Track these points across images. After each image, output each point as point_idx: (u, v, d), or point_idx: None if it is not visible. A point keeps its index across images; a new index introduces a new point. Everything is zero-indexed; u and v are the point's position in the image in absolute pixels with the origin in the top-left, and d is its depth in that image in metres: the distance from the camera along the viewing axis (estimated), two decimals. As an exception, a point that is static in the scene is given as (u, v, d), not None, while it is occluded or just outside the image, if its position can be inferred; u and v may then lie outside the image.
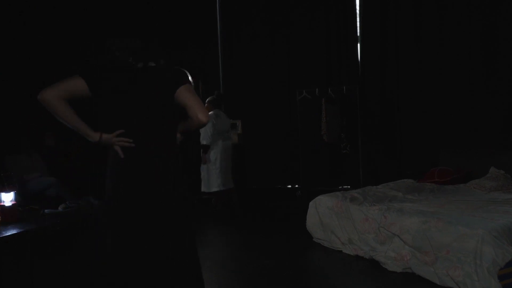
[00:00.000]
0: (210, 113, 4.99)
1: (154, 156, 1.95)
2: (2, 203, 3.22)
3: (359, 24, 6.36)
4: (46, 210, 3.59)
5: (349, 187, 6.11)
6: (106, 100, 1.94)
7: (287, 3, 6.85)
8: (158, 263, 1.94)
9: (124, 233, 1.95)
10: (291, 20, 6.85)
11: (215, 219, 5.37)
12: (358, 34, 6.38)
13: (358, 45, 6.39)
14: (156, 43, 1.96)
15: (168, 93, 1.95)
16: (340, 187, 6.30)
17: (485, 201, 3.83)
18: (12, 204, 3.26)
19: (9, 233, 2.95)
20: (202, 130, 5.18)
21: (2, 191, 3.22)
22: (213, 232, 4.91)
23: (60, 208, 3.69)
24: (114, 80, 1.93)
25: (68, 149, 5.53)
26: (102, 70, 1.95)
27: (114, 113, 1.95)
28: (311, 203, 4.36)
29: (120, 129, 1.92)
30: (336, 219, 4.04)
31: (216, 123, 5.25)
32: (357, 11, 6.39)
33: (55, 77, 2.09)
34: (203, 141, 5.26)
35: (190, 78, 2.02)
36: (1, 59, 5.14)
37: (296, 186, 6.81)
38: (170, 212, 1.98)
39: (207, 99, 5.47)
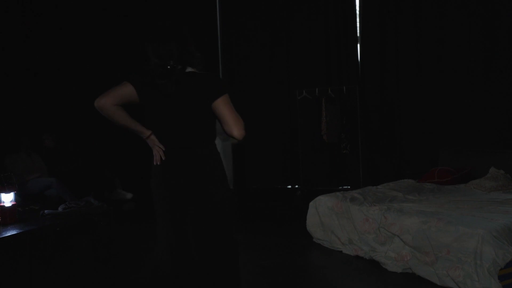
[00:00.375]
0: None
1: (193, 157, 2.06)
2: (2, 204, 3.22)
3: (359, 24, 6.36)
4: (46, 211, 3.59)
5: (349, 187, 6.11)
6: (150, 105, 2.06)
7: (287, 3, 6.85)
8: (197, 262, 2.06)
9: (165, 231, 2.08)
10: (291, 20, 6.85)
11: None
12: (358, 34, 6.38)
13: (358, 45, 6.39)
14: (193, 46, 2.09)
15: (206, 101, 2.02)
16: (340, 187, 6.30)
17: (485, 201, 3.83)
18: (12, 205, 3.26)
19: (9, 234, 2.95)
20: None
21: (2, 192, 3.21)
22: None
23: (60, 209, 3.69)
24: (157, 86, 2.02)
25: (68, 150, 5.54)
26: (146, 76, 2.03)
27: (157, 117, 2.07)
28: (311, 203, 4.36)
29: (162, 130, 2.06)
30: (336, 219, 4.03)
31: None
32: (357, 11, 6.39)
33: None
34: None
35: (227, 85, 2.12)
36: (2, 59, 5.15)
37: (296, 186, 6.81)
38: (209, 213, 2.05)
39: None
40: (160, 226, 2.11)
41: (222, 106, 2.01)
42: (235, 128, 2.03)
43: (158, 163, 2.06)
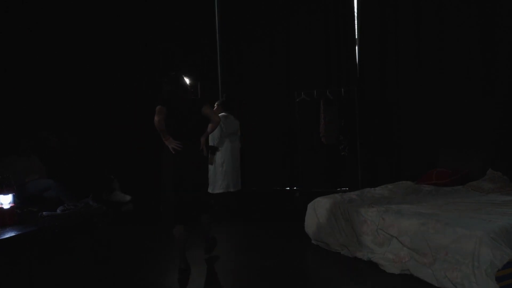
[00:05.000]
0: (219, 115, 4.95)
1: (194, 143, 3.68)
2: (0, 206, 3.22)
3: (357, 26, 6.37)
4: (44, 212, 3.60)
5: (347, 189, 6.11)
6: (171, 116, 3.59)
7: (286, 5, 6.87)
8: (196, 188, 3.69)
9: (179, 174, 3.62)
10: (290, 22, 6.86)
11: (214, 220, 5.36)
12: (356, 36, 6.39)
13: (356, 47, 6.40)
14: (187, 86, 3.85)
15: (199, 109, 3.67)
16: (338, 189, 6.30)
17: (483, 203, 3.84)
18: (11, 206, 3.26)
19: (8, 235, 2.96)
20: None
21: (1, 194, 3.22)
22: (212, 233, 4.89)
23: (58, 210, 3.69)
24: (176, 105, 3.63)
25: (70, 151, 5.54)
26: (170, 99, 3.65)
27: (175, 122, 3.61)
28: (309, 205, 4.37)
29: (177, 130, 3.62)
30: (334, 221, 4.04)
31: (223, 126, 5.29)
32: (355, 13, 6.40)
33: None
34: (211, 143, 5.34)
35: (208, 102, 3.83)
36: (3, 60, 5.15)
37: (295, 188, 6.81)
38: (200, 169, 3.76)
39: (216, 102, 5.57)
40: (167, 181, 3.61)
41: (206, 109, 3.71)
42: (215, 116, 3.80)
43: (173, 153, 3.61)
